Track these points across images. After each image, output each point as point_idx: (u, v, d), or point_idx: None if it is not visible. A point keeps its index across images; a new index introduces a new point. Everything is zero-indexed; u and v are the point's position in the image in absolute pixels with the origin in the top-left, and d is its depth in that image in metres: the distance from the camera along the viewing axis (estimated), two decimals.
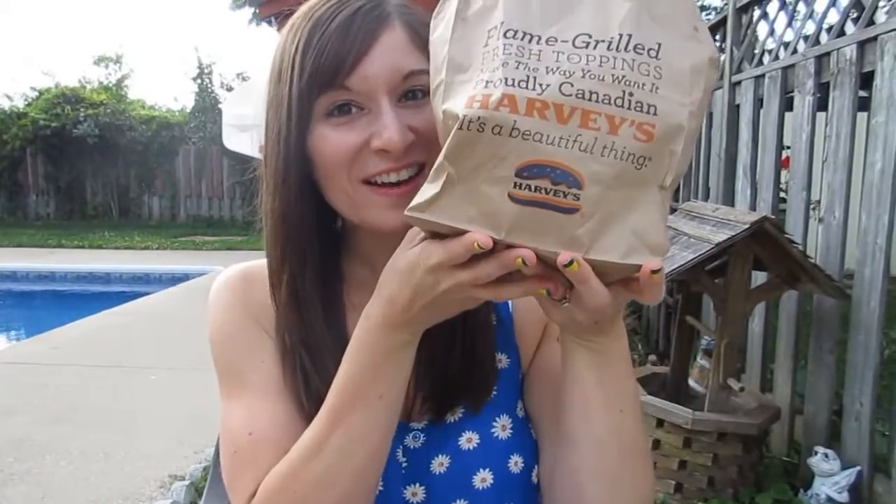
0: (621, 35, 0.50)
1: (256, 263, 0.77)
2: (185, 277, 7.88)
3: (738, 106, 3.52)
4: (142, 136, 12.83)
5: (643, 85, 0.50)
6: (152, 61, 40.90)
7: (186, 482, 2.77)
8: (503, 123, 0.48)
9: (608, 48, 0.50)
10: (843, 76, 2.50)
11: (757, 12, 3.42)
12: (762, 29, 3.38)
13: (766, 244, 2.40)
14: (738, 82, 3.48)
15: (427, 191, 0.52)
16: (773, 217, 2.51)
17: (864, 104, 2.52)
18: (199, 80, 13.48)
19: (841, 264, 2.53)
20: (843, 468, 2.34)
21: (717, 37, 4.06)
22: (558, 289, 0.53)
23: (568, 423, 0.66)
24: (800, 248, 2.47)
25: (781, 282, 2.51)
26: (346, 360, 0.63)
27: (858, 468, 2.33)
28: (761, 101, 3.22)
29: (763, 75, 3.18)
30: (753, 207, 3.20)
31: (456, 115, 0.50)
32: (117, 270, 8.58)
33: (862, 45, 2.40)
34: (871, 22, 2.38)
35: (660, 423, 2.48)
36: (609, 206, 0.50)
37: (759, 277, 2.77)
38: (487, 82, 0.50)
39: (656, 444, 2.49)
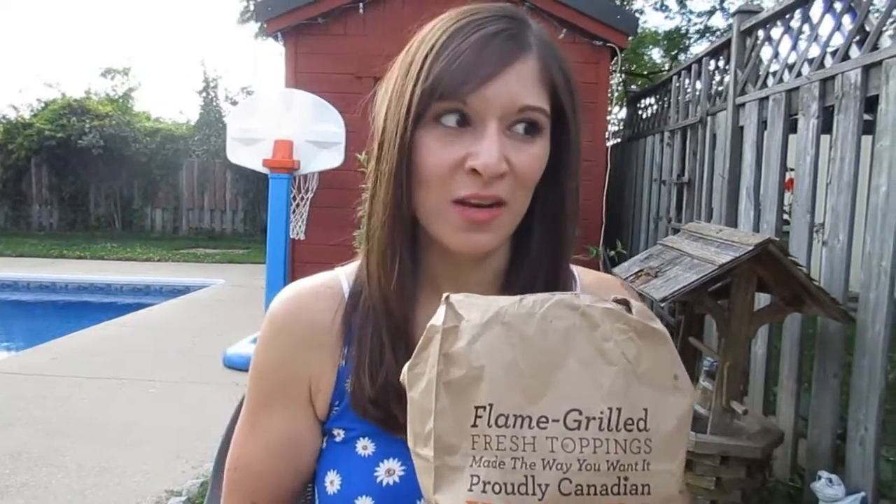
0: (611, 409, 0.51)
1: (314, 279, 0.77)
2: (185, 290, 7.88)
3: (741, 128, 3.53)
4: (146, 148, 12.86)
5: (636, 465, 0.51)
6: (158, 74, 41.13)
7: (183, 498, 2.74)
8: None
9: (599, 428, 0.51)
10: (847, 100, 2.51)
11: (761, 35, 3.44)
12: (766, 52, 3.40)
13: (770, 266, 2.39)
14: (742, 104, 3.50)
15: None
16: (778, 239, 2.50)
17: (868, 128, 2.52)
18: (204, 94, 13.57)
19: (845, 287, 2.52)
20: (848, 494, 2.31)
21: (721, 59, 4.08)
22: None
23: None
24: (804, 270, 2.46)
25: (785, 304, 2.49)
26: None
27: (863, 494, 2.30)
28: (765, 123, 3.23)
29: (767, 98, 3.19)
30: (757, 229, 3.20)
31: None
32: (118, 282, 8.58)
33: (867, 69, 2.41)
34: (875, 46, 2.39)
35: None
36: None
37: (762, 299, 2.76)
38: (486, 484, 0.50)
39: None
